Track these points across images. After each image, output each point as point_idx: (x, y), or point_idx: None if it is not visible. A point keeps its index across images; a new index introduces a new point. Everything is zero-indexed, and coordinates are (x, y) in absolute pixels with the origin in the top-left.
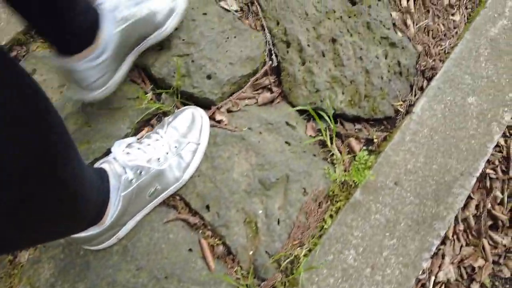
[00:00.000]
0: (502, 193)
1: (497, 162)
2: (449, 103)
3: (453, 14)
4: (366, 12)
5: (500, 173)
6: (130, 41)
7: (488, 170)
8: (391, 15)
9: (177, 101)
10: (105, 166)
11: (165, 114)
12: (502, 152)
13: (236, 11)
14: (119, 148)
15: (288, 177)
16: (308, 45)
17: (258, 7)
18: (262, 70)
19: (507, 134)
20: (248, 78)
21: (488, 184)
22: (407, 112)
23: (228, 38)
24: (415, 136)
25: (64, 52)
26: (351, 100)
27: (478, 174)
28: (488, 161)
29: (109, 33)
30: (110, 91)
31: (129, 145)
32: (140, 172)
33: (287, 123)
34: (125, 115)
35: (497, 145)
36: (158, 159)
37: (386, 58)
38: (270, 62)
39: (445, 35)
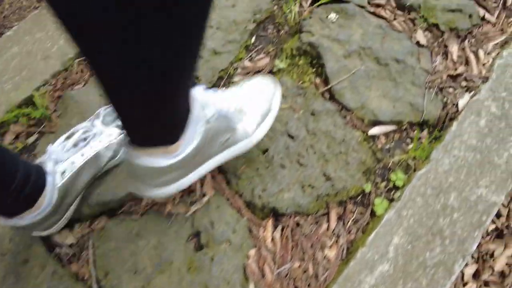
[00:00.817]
0: None
1: None
2: None
3: (330, 247)
4: (207, 267)
5: None
6: (77, 187)
7: None
8: (244, 267)
9: None
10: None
11: None
12: None
13: (71, 245)
14: None
15: None
16: None
17: (91, 249)
18: None
19: None
20: None
21: None
22: None
23: None
24: None
25: (5, 215)
26: None
27: None
28: None
29: (50, 192)
30: (59, 228)
31: None
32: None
33: None
34: None
35: None
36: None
37: None
38: None
39: (309, 285)
